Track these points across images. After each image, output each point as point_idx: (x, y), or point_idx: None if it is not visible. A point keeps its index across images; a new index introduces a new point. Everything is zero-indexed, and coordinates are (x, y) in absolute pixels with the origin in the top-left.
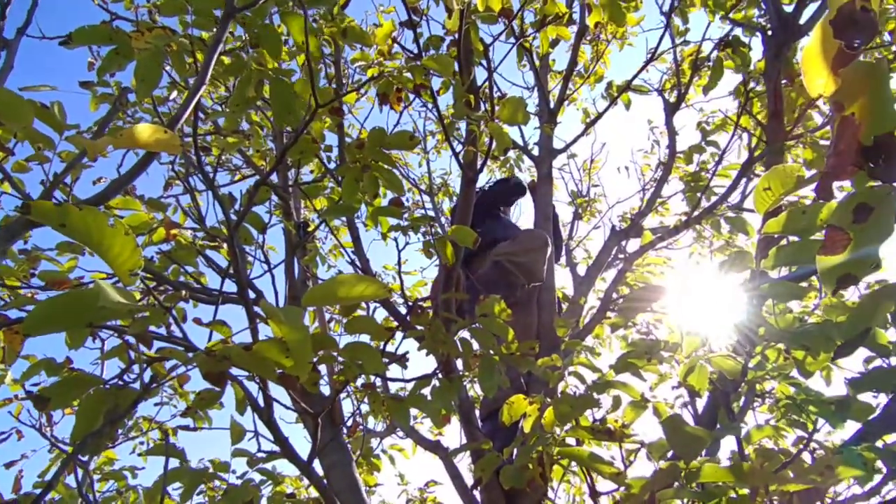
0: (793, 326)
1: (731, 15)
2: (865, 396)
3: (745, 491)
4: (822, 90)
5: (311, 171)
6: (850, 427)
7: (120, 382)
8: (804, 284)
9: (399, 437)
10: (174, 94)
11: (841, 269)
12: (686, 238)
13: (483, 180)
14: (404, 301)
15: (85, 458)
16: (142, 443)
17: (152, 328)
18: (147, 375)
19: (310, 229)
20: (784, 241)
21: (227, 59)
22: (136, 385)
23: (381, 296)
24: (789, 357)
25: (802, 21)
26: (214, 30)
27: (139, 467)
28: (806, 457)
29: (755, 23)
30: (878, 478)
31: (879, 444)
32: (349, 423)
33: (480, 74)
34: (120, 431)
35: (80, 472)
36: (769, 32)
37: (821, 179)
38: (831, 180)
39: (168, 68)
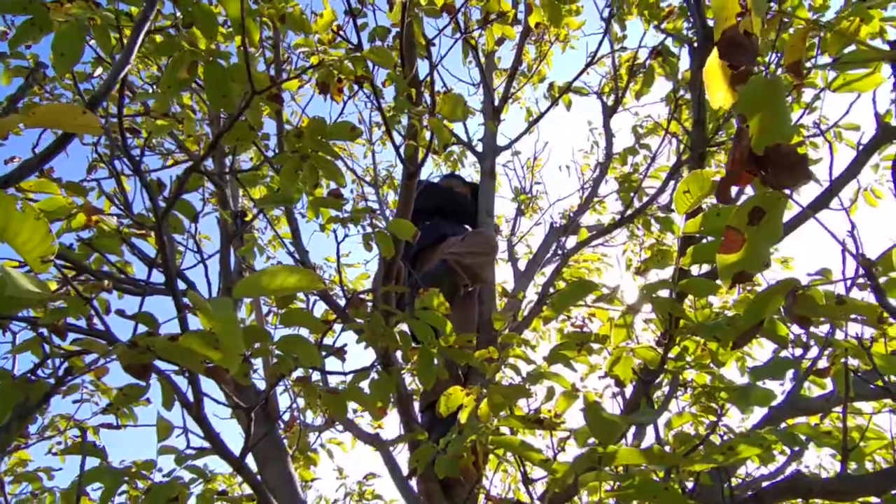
0: (709, 320)
1: (662, 25)
2: (774, 384)
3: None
4: (722, 103)
5: (251, 159)
6: (760, 413)
7: (32, 378)
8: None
9: (338, 431)
10: (99, 70)
11: (736, 266)
12: (621, 236)
13: (428, 173)
14: (343, 293)
15: None
16: (59, 442)
17: (71, 320)
18: (62, 368)
19: (247, 219)
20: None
21: (159, 38)
22: (50, 379)
23: (315, 287)
24: (706, 348)
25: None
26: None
27: (55, 468)
28: (717, 440)
29: (684, 35)
30: (782, 459)
31: (783, 426)
32: (286, 417)
33: (426, 68)
34: (34, 431)
35: None
36: (695, 44)
37: (719, 184)
38: (728, 185)
39: (92, 43)
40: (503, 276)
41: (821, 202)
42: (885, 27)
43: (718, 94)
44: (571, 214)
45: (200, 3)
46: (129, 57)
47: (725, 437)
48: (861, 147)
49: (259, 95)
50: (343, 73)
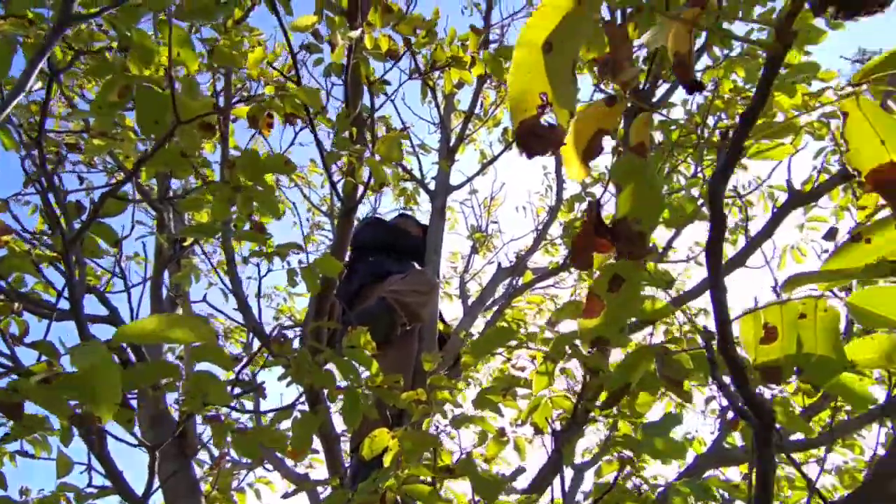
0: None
1: (601, 85)
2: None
3: None
4: (575, 177)
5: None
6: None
7: None
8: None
9: (267, 470)
10: (38, 84)
11: (594, 332)
12: (570, 278)
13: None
14: (261, 329)
15: None
16: None
17: None
18: None
19: (186, 244)
20: None
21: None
22: None
23: (203, 340)
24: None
25: (655, 98)
26: (82, 27)
27: None
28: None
29: (619, 94)
30: None
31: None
32: (217, 453)
33: (386, 105)
34: None
35: None
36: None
37: (571, 251)
38: (579, 253)
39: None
40: (455, 312)
41: (740, 258)
42: (809, 101)
43: (573, 168)
44: (523, 255)
45: (140, 29)
46: (24, 85)
47: (642, 487)
48: (774, 210)
49: (185, 125)
50: (273, 109)
